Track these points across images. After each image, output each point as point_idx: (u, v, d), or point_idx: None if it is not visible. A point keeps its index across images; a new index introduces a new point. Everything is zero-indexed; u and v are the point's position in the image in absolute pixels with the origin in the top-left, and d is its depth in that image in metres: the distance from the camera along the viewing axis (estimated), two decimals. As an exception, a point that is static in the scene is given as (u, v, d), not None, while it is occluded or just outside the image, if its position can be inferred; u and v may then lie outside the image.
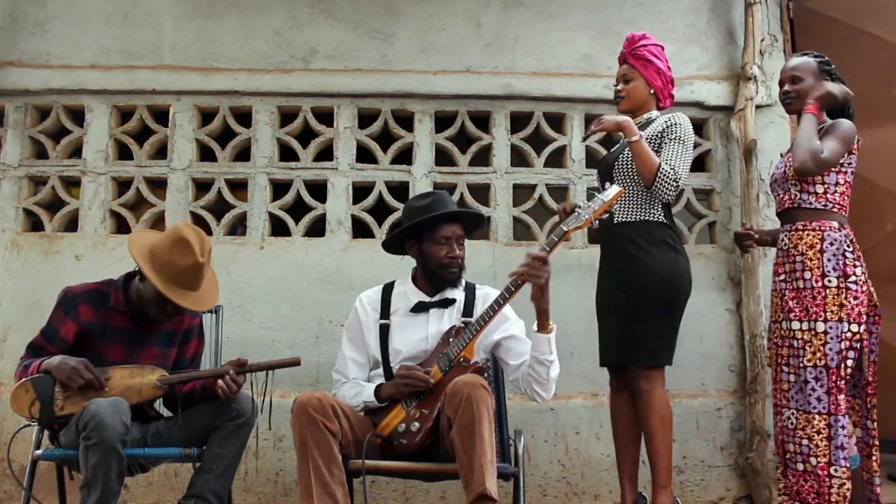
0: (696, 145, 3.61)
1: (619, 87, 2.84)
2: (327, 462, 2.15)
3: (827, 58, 2.73)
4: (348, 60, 3.58)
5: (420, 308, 2.50)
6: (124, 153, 3.57)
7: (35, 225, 3.55)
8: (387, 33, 3.61)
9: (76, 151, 3.58)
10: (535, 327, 2.34)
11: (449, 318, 2.49)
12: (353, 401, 2.41)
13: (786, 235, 2.67)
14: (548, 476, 3.30)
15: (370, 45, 3.59)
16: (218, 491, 2.33)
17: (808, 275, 2.56)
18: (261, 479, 3.22)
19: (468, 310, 2.50)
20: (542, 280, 2.24)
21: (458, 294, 2.53)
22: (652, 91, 2.81)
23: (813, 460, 2.47)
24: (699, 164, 3.68)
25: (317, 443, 2.16)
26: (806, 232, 2.60)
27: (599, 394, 3.29)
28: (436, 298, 2.51)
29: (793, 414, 2.55)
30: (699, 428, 3.35)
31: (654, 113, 2.83)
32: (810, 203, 2.62)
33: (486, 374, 2.41)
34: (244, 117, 3.59)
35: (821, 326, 2.51)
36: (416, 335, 2.47)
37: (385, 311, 2.54)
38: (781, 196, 2.72)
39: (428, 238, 2.47)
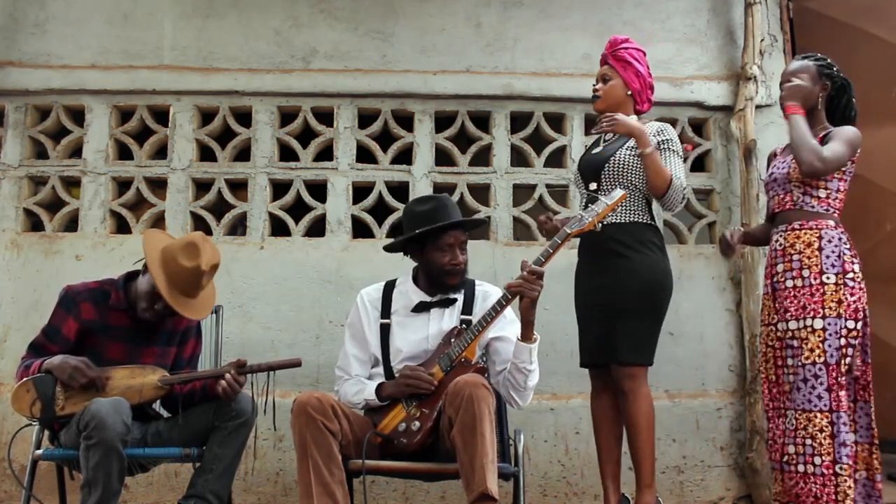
0: (695, 146, 3.64)
1: (596, 87, 2.83)
2: (327, 462, 2.16)
3: (829, 60, 2.72)
4: (348, 60, 3.58)
5: (421, 308, 2.50)
6: (124, 153, 3.57)
7: (35, 225, 3.55)
8: (387, 33, 3.61)
9: (76, 151, 3.58)
10: (518, 336, 2.34)
11: (450, 318, 2.49)
12: (355, 398, 2.42)
13: (780, 236, 2.66)
14: (548, 476, 3.30)
15: (370, 45, 3.60)
16: (218, 491, 2.34)
17: (805, 272, 2.56)
18: (261, 479, 3.22)
19: (467, 308, 2.50)
20: (535, 294, 2.26)
21: (458, 293, 2.53)
22: (629, 93, 2.80)
23: (817, 459, 2.46)
24: (699, 164, 3.69)
25: (317, 443, 2.16)
26: (803, 231, 2.60)
27: (599, 394, 3.29)
28: (436, 298, 2.51)
29: (792, 414, 2.54)
30: (699, 428, 3.35)
31: (634, 118, 2.81)
32: (812, 206, 2.62)
33: (487, 375, 2.41)
34: (244, 117, 3.59)
35: (819, 323, 2.50)
36: (417, 335, 2.47)
37: (386, 310, 2.53)
38: (782, 196, 2.70)
39: (431, 245, 2.45)
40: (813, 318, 2.52)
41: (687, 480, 3.33)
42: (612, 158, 2.72)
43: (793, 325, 2.56)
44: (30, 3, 3.58)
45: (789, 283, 2.60)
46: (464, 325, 2.44)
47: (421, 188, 3.48)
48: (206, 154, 3.61)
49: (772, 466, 2.66)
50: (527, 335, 2.32)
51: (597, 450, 2.78)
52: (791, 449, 2.53)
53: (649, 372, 2.68)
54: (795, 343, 2.55)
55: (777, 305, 2.63)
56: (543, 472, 3.29)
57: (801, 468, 2.49)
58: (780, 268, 2.64)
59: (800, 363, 2.52)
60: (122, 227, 3.55)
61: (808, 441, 2.48)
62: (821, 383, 2.48)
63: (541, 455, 3.29)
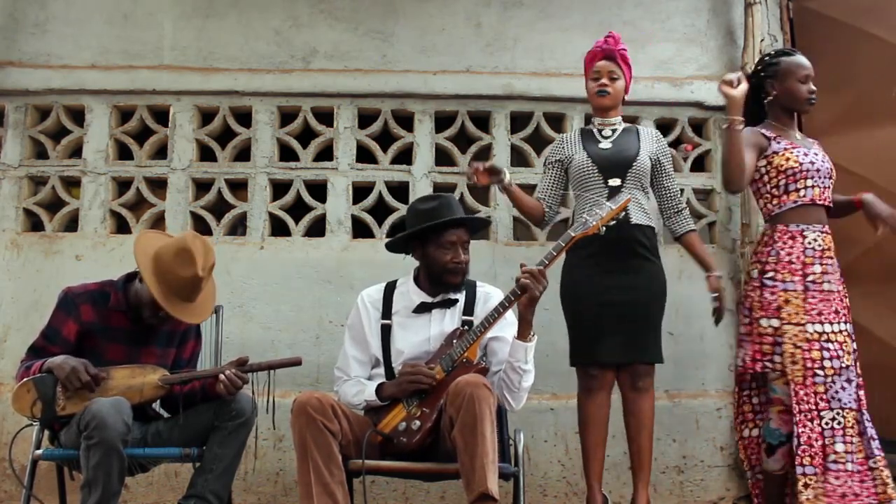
0: (695, 146, 3.63)
1: (605, 82, 2.80)
2: (327, 462, 2.16)
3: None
4: (348, 60, 3.58)
5: (422, 309, 2.50)
6: (124, 153, 3.57)
7: (35, 225, 3.55)
8: (387, 33, 3.61)
9: (76, 151, 3.57)
10: (514, 334, 2.33)
11: (451, 319, 2.49)
12: (355, 399, 2.42)
13: (819, 235, 2.61)
14: (548, 476, 3.30)
15: (370, 45, 3.60)
16: (218, 491, 2.34)
17: (832, 278, 2.60)
18: (261, 479, 3.22)
19: (468, 308, 2.50)
20: (537, 292, 2.26)
21: (460, 294, 2.53)
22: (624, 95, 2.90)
23: (854, 456, 2.49)
24: (699, 164, 3.68)
25: (316, 443, 2.16)
26: (830, 236, 2.64)
27: (599, 394, 3.29)
28: (438, 299, 2.51)
29: (838, 413, 2.50)
30: (699, 428, 3.35)
31: (619, 118, 2.89)
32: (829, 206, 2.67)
33: (488, 375, 2.41)
34: (244, 117, 3.59)
35: (850, 327, 2.57)
36: (419, 336, 2.47)
37: (387, 310, 2.53)
38: (822, 190, 2.64)
39: (433, 242, 2.45)
40: (845, 322, 2.57)
41: (687, 480, 3.33)
42: (639, 159, 2.77)
43: (827, 327, 2.54)
44: (30, 3, 3.58)
45: (825, 287, 2.58)
46: (465, 326, 2.44)
47: (421, 188, 3.48)
48: (206, 154, 3.61)
49: (801, 472, 2.47)
50: (524, 333, 2.32)
51: (583, 449, 2.77)
52: (840, 447, 2.49)
53: (649, 371, 2.71)
54: (831, 346, 2.53)
55: (808, 306, 2.55)
56: (543, 472, 3.29)
57: (850, 466, 2.48)
58: (817, 269, 2.58)
59: (843, 364, 2.52)
60: (122, 227, 3.55)
61: (855, 439, 2.50)
62: (856, 384, 2.53)
63: (541, 455, 3.29)
